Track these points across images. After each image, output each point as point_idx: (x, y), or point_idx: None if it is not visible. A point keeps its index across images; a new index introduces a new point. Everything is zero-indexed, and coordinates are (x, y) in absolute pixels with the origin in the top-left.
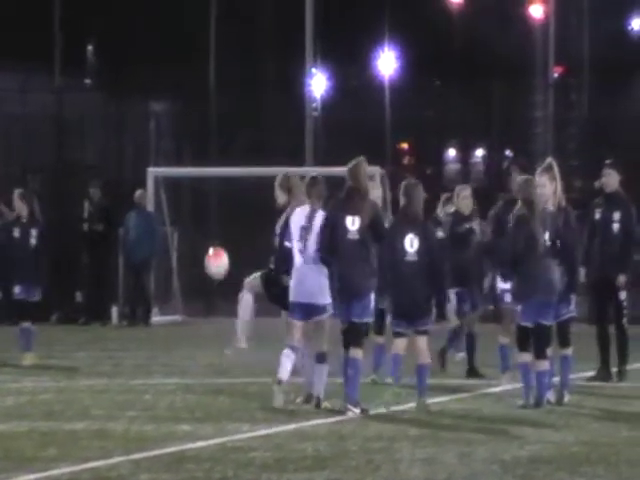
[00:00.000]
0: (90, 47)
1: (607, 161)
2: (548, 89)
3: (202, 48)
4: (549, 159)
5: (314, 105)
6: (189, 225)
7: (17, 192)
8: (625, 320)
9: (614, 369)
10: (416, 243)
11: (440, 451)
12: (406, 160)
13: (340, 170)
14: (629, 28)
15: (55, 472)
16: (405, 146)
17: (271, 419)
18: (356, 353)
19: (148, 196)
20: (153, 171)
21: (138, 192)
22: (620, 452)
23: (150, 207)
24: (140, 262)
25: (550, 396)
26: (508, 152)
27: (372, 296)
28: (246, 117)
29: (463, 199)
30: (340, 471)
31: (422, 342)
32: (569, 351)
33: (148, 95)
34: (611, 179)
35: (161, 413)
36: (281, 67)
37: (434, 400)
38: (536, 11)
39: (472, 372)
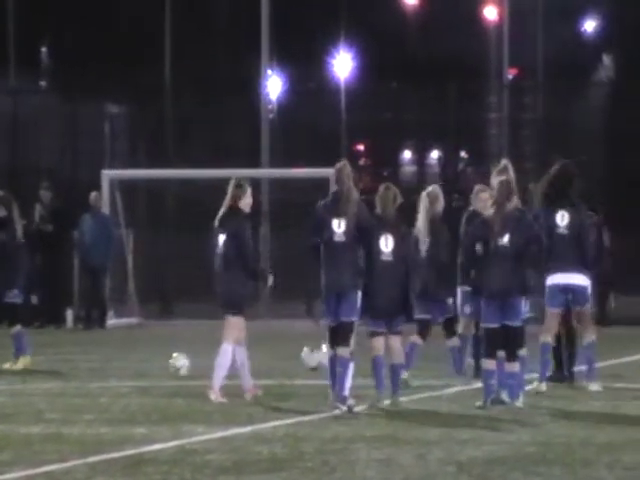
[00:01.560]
0: (44, 49)
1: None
2: (503, 91)
3: (158, 49)
4: (504, 160)
5: (270, 107)
6: (145, 227)
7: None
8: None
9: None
10: (391, 243)
11: (396, 452)
12: (362, 161)
13: (296, 171)
14: (582, 30)
15: (9, 476)
16: (361, 147)
17: (228, 422)
18: (344, 352)
19: (103, 198)
20: (108, 173)
21: (93, 194)
22: (575, 452)
23: (105, 209)
24: (95, 265)
25: (505, 396)
26: (463, 153)
27: (358, 295)
28: (202, 119)
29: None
30: (297, 473)
31: (396, 342)
32: (523, 351)
33: (103, 97)
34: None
35: (117, 416)
36: (237, 69)
37: (389, 401)
38: (490, 13)
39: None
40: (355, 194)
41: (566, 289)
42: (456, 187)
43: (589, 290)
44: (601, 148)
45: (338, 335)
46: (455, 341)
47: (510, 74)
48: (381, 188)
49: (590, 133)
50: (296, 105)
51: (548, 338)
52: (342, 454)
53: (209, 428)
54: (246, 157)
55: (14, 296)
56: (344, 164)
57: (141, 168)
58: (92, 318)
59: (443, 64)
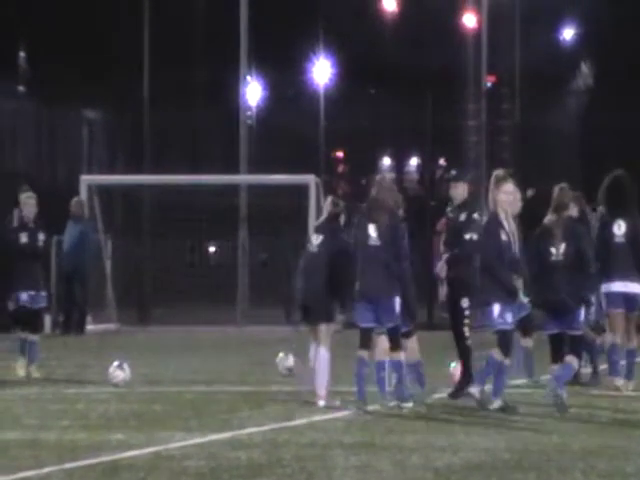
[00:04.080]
0: (22, 53)
1: (453, 173)
2: (481, 98)
3: (136, 56)
4: (501, 171)
5: (248, 113)
6: (123, 233)
7: (24, 195)
8: (466, 328)
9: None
10: (377, 229)
11: (374, 458)
12: (340, 168)
13: (274, 178)
14: (560, 38)
15: None
16: (340, 154)
17: (205, 427)
18: (398, 356)
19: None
20: (86, 178)
21: (75, 200)
22: (551, 459)
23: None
24: (73, 270)
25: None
26: (442, 161)
27: (397, 300)
28: (180, 125)
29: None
30: (274, 479)
31: (411, 342)
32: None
33: (81, 102)
34: (459, 191)
35: (94, 422)
36: (216, 75)
37: (369, 408)
38: (469, 21)
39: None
40: (389, 203)
41: (623, 296)
42: (434, 194)
43: None
44: (578, 155)
45: (389, 340)
46: (529, 342)
47: (488, 82)
48: (377, 179)
49: (567, 140)
50: (275, 112)
51: (617, 339)
52: (320, 460)
53: (186, 434)
54: (224, 163)
55: (27, 300)
56: (383, 176)
57: (119, 174)
58: (70, 324)
59: (421, 71)
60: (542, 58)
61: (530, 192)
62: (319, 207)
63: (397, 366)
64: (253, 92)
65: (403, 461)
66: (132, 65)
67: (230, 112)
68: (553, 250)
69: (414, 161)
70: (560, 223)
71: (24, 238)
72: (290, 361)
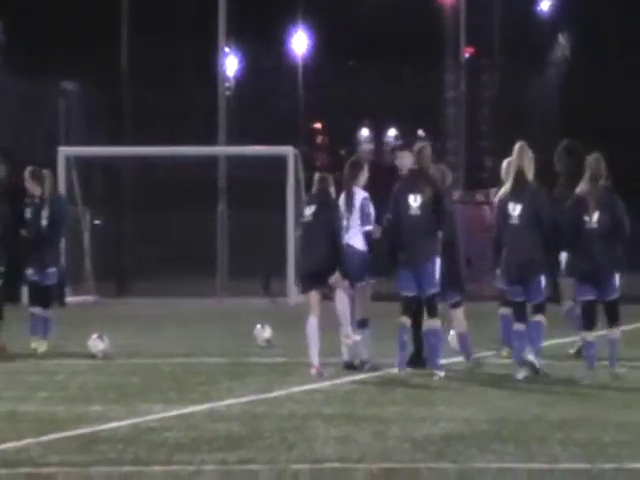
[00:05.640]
0: (0, 25)
1: (399, 143)
2: (459, 70)
3: (114, 27)
4: (520, 143)
5: (227, 85)
6: (101, 205)
7: (28, 170)
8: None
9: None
10: (419, 199)
11: (354, 430)
12: (319, 140)
13: (253, 149)
14: (538, 9)
15: None
16: (318, 126)
17: (184, 399)
18: (435, 323)
19: (59, 176)
20: (64, 150)
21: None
22: (529, 429)
23: (61, 187)
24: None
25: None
26: (420, 132)
27: (437, 267)
28: (159, 97)
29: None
30: (254, 451)
31: (457, 312)
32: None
33: (59, 74)
34: (405, 161)
35: (73, 394)
36: (194, 47)
37: (348, 379)
38: None
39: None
40: (431, 172)
41: None
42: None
43: None
44: (557, 125)
45: (426, 308)
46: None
47: (467, 53)
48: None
49: (546, 111)
50: (253, 83)
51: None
52: (300, 431)
53: (166, 406)
54: (203, 135)
55: (33, 275)
56: (427, 144)
57: (97, 145)
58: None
59: (400, 43)
60: (520, 29)
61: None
62: (298, 179)
63: (434, 334)
64: (232, 64)
65: (383, 432)
66: (111, 37)
67: (208, 84)
68: (587, 219)
69: (392, 132)
70: (594, 192)
71: (28, 214)
72: (268, 333)
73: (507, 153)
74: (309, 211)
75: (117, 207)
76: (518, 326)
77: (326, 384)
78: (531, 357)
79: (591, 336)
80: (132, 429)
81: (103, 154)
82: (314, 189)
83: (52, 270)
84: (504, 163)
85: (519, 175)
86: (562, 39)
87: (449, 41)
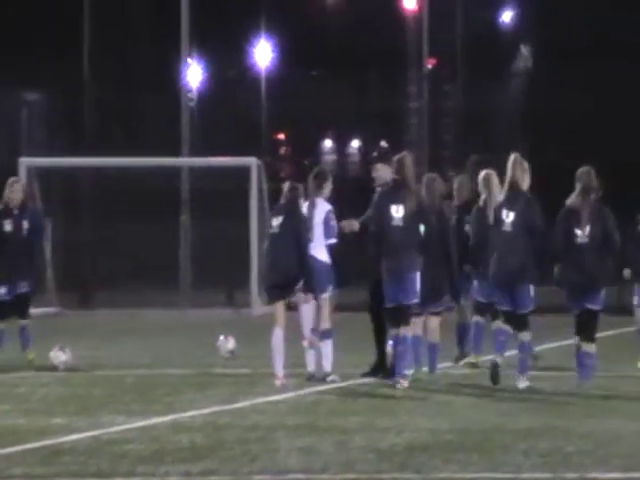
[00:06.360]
0: None
1: (375, 154)
2: (422, 80)
3: (76, 36)
4: (514, 154)
5: (190, 95)
6: (63, 216)
7: (11, 180)
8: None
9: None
10: (402, 210)
11: (317, 440)
12: (283, 150)
13: (216, 160)
14: (500, 20)
15: None
16: (282, 136)
17: (147, 411)
18: (405, 331)
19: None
20: (25, 161)
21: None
22: (493, 439)
23: None
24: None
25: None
26: (383, 142)
27: (417, 278)
28: (121, 107)
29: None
30: (217, 462)
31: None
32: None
33: (20, 83)
34: (381, 173)
35: (35, 406)
36: (157, 57)
37: (311, 390)
38: (410, 3)
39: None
40: (414, 182)
41: None
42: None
43: None
44: (519, 135)
45: (399, 316)
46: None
47: (429, 64)
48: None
49: (509, 121)
50: (216, 94)
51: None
52: (263, 443)
53: (128, 418)
54: (166, 146)
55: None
56: (406, 154)
57: (59, 156)
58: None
59: (363, 54)
60: (482, 40)
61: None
62: (261, 189)
63: (402, 343)
64: (195, 74)
65: (346, 442)
66: (73, 46)
67: (172, 94)
68: (579, 232)
69: (355, 143)
70: (586, 205)
71: (8, 226)
72: (231, 344)
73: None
74: (276, 222)
75: (79, 217)
76: (503, 326)
77: (290, 395)
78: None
79: (592, 347)
80: (94, 441)
81: (65, 165)
82: (283, 199)
83: (27, 282)
84: (482, 174)
85: (514, 185)
86: (524, 50)
87: (412, 52)
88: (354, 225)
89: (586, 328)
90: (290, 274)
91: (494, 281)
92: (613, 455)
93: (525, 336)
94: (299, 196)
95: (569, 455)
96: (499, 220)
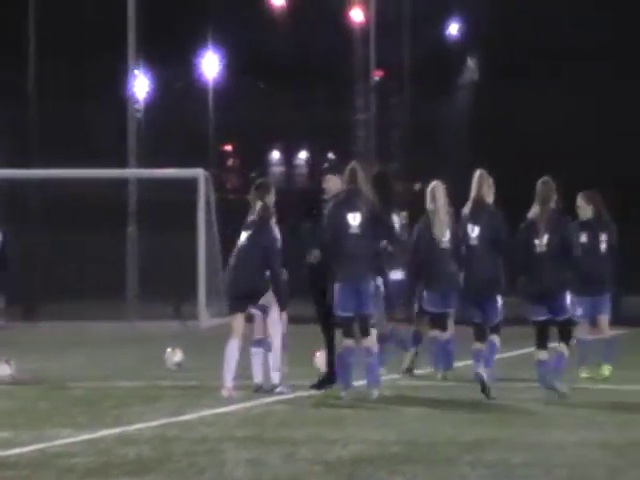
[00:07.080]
0: None
1: (325, 166)
2: (369, 92)
3: (21, 46)
4: (479, 170)
5: (137, 106)
6: (6, 228)
7: None
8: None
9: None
10: (359, 217)
11: (265, 452)
12: (230, 162)
13: (164, 172)
14: (447, 33)
15: None
16: (229, 148)
17: (94, 424)
18: (370, 342)
19: None
20: None
21: None
22: (440, 451)
23: None
24: None
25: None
26: (331, 155)
27: (373, 287)
28: (67, 118)
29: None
30: (164, 475)
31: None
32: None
33: None
34: (331, 184)
35: None
36: (104, 68)
37: (259, 401)
38: (357, 15)
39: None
40: (367, 190)
41: None
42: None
43: None
44: (466, 146)
45: (360, 327)
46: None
47: (377, 76)
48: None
49: (455, 133)
50: (164, 105)
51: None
52: (211, 455)
53: (74, 431)
54: (113, 157)
55: None
56: (356, 164)
57: (2, 167)
58: None
59: (311, 66)
60: (430, 52)
61: (418, 186)
62: (208, 201)
63: (368, 354)
64: (141, 85)
65: (294, 454)
66: (17, 56)
67: (118, 105)
68: (537, 242)
69: (303, 155)
70: (544, 215)
71: None
72: (178, 356)
73: (416, 176)
74: (244, 235)
75: (24, 229)
76: (479, 345)
77: (238, 407)
78: (484, 374)
79: (544, 355)
80: (39, 454)
81: (11, 177)
82: (255, 215)
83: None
84: (430, 185)
85: (479, 201)
86: (471, 62)
87: (359, 64)
88: (317, 255)
89: (561, 336)
90: (253, 287)
91: (465, 295)
92: (557, 465)
93: (496, 338)
94: (271, 216)
95: (514, 467)
96: (466, 235)
